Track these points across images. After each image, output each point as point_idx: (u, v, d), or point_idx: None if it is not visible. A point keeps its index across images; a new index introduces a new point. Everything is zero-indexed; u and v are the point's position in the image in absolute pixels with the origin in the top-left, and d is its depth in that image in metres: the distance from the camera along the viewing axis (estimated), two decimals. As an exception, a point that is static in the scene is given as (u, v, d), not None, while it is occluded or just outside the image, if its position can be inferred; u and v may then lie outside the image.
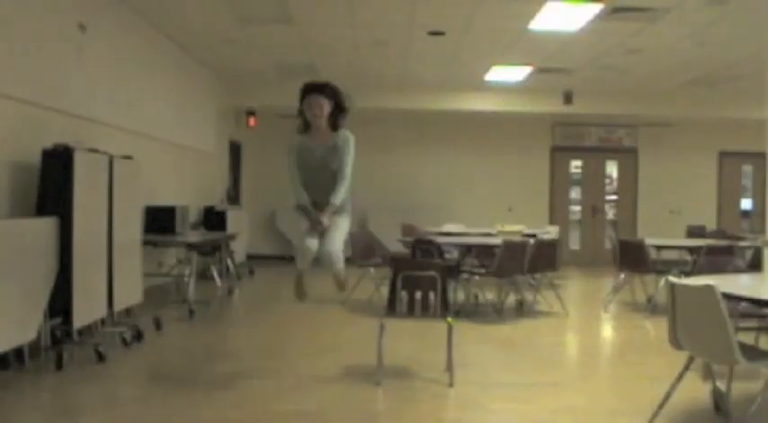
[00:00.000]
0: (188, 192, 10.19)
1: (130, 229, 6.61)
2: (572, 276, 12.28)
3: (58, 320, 5.42)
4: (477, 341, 6.77)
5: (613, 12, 7.61)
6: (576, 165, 14.92)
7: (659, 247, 9.12)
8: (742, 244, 8.80)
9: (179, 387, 4.99)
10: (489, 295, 8.53)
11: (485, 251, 8.57)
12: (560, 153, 14.70)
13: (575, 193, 14.97)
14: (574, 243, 14.74)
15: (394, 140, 13.83)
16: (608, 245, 13.03)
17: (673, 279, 3.92)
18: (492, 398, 4.82)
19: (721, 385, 4.37)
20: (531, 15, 7.87)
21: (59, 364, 5.21)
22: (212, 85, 11.82)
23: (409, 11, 7.96)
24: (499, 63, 10.66)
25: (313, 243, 4.84)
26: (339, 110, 5.00)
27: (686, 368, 3.92)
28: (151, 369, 5.77)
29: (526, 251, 7.94)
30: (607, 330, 7.96)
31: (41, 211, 5.39)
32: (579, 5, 7.44)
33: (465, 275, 8.31)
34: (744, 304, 4.49)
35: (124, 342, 6.11)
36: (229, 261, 10.02)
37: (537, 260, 8.07)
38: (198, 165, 10.98)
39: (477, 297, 8.72)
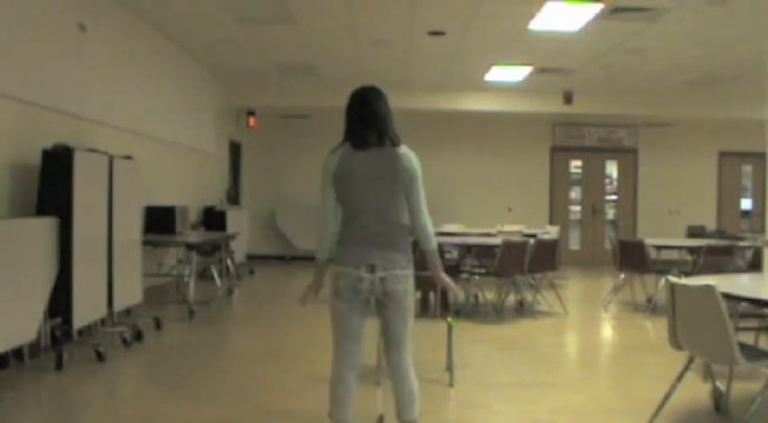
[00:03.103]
0: (188, 192, 10.19)
1: (130, 229, 6.61)
2: (572, 276, 12.27)
3: (58, 320, 5.42)
4: (477, 341, 6.77)
5: (613, 12, 7.61)
6: (576, 165, 14.92)
7: (659, 247, 9.12)
8: (742, 244, 8.80)
9: (179, 387, 4.99)
10: (489, 295, 8.53)
11: (485, 251, 8.56)
12: (560, 153, 14.70)
13: (575, 193, 14.97)
14: (574, 243, 14.74)
15: (394, 140, 13.79)
16: (608, 245, 13.06)
17: (673, 279, 3.92)
18: (492, 398, 4.82)
19: (721, 385, 4.37)
20: (531, 15, 7.86)
21: (59, 364, 5.21)
22: (212, 85, 11.82)
23: (409, 11, 7.96)
24: (499, 63, 10.66)
25: (356, 358, 3.33)
26: None
27: (686, 368, 3.92)
28: (151, 369, 5.77)
29: (526, 251, 7.94)
30: (607, 330, 7.96)
31: (41, 211, 5.39)
32: (579, 5, 7.43)
33: (465, 275, 8.31)
34: (744, 304, 4.49)
35: (124, 342, 6.11)
36: (229, 261, 10.02)
37: (537, 260, 8.07)
38: (198, 165, 10.98)
39: (477, 297, 8.72)
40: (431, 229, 3.30)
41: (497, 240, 8.26)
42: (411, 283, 3.26)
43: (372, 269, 3.15)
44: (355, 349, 3.29)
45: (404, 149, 3.26)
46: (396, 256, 3.20)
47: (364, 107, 3.28)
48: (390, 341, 3.30)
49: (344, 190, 3.20)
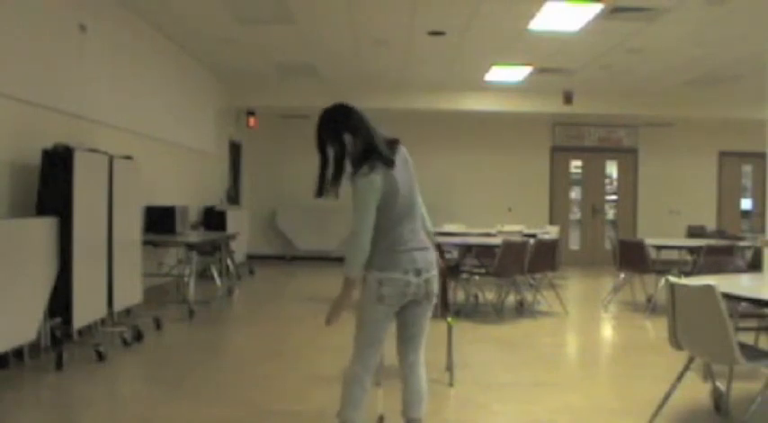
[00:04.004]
0: (188, 192, 10.19)
1: (130, 229, 6.61)
2: (572, 276, 12.27)
3: (58, 320, 5.42)
4: (477, 341, 6.77)
5: (613, 12, 7.61)
6: (576, 165, 14.92)
7: (659, 247, 9.12)
8: (742, 244, 8.80)
9: (179, 387, 4.99)
10: (489, 295, 8.53)
11: (485, 251, 8.56)
12: (560, 153, 14.70)
13: (575, 193, 14.97)
14: (574, 243, 14.74)
15: (394, 140, 13.81)
16: (608, 245, 13.06)
17: (673, 279, 3.92)
18: (492, 398, 4.82)
19: (721, 385, 4.37)
20: (531, 15, 7.86)
21: (59, 364, 5.21)
22: (212, 85, 11.82)
23: (409, 11, 7.96)
24: (499, 63, 10.66)
25: (376, 361, 3.32)
26: None
27: (686, 368, 3.92)
28: (151, 369, 5.77)
29: (526, 251, 7.94)
30: (607, 330, 7.96)
31: (41, 211, 5.39)
32: (579, 5, 7.44)
33: (465, 275, 8.31)
34: (744, 304, 4.49)
35: (124, 342, 6.11)
36: (229, 261, 10.03)
37: (537, 260, 8.07)
38: (198, 165, 10.98)
39: (477, 297, 8.72)
40: None
41: (497, 240, 8.26)
42: None
43: (419, 272, 3.18)
44: (378, 353, 3.28)
45: (404, 149, 3.32)
46: (431, 255, 3.30)
47: (370, 124, 3.24)
48: (413, 341, 3.32)
49: (388, 204, 3.16)
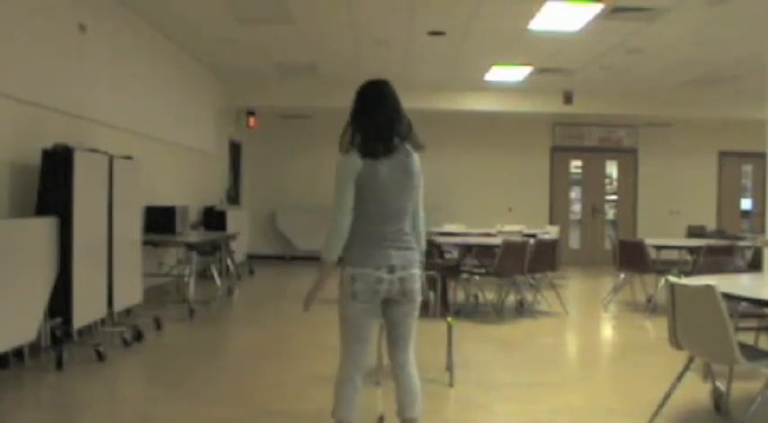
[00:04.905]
0: (188, 192, 10.19)
1: (130, 229, 6.61)
2: (572, 276, 12.27)
3: (58, 320, 5.42)
4: (477, 341, 6.77)
5: (613, 12, 7.61)
6: (576, 165, 14.92)
7: (659, 247, 9.12)
8: (742, 244, 8.80)
9: (179, 387, 4.99)
10: (489, 295, 8.53)
11: (485, 251, 8.56)
12: (560, 153, 14.70)
13: (575, 193, 14.97)
14: (574, 243, 14.74)
15: (394, 140, 13.78)
16: (608, 245, 13.05)
17: (673, 279, 3.92)
18: (492, 398, 4.82)
19: (721, 385, 4.37)
20: (531, 15, 7.86)
21: (59, 364, 5.21)
22: (212, 85, 11.82)
23: (409, 11, 7.96)
24: (499, 63, 10.66)
25: (365, 359, 3.30)
26: None
27: (686, 368, 3.92)
28: (151, 369, 5.77)
29: (526, 251, 7.94)
30: (607, 330, 7.96)
31: (41, 211, 5.39)
32: (579, 5, 7.44)
33: (465, 275, 8.31)
34: (744, 304, 4.49)
35: (124, 342, 6.11)
36: (229, 261, 10.03)
37: (537, 260, 8.07)
38: (198, 165, 10.98)
39: (477, 297, 8.72)
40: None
41: (497, 240, 8.26)
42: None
43: (392, 270, 3.14)
44: (366, 351, 3.26)
45: (413, 159, 3.27)
46: (413, 255, 3.24)
47: (389, 107, 3.28)
48: (400, 340, 3.29)
49: (366, 192, 3.14)
